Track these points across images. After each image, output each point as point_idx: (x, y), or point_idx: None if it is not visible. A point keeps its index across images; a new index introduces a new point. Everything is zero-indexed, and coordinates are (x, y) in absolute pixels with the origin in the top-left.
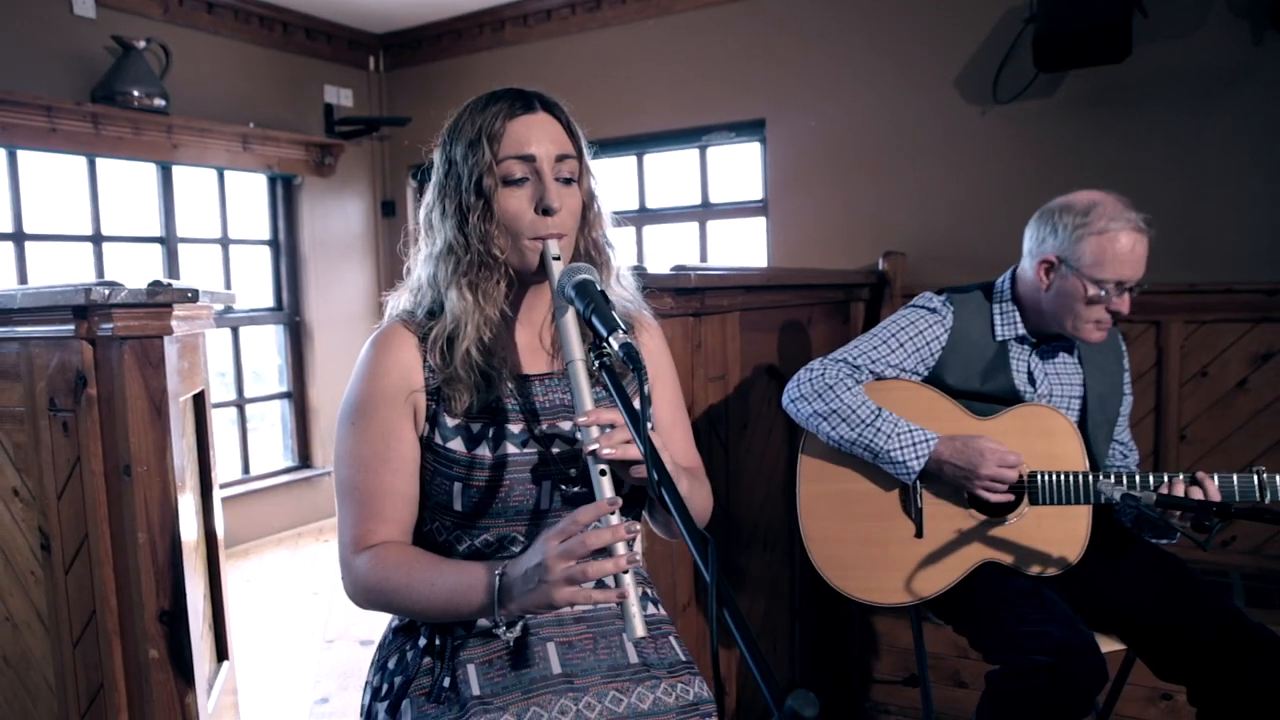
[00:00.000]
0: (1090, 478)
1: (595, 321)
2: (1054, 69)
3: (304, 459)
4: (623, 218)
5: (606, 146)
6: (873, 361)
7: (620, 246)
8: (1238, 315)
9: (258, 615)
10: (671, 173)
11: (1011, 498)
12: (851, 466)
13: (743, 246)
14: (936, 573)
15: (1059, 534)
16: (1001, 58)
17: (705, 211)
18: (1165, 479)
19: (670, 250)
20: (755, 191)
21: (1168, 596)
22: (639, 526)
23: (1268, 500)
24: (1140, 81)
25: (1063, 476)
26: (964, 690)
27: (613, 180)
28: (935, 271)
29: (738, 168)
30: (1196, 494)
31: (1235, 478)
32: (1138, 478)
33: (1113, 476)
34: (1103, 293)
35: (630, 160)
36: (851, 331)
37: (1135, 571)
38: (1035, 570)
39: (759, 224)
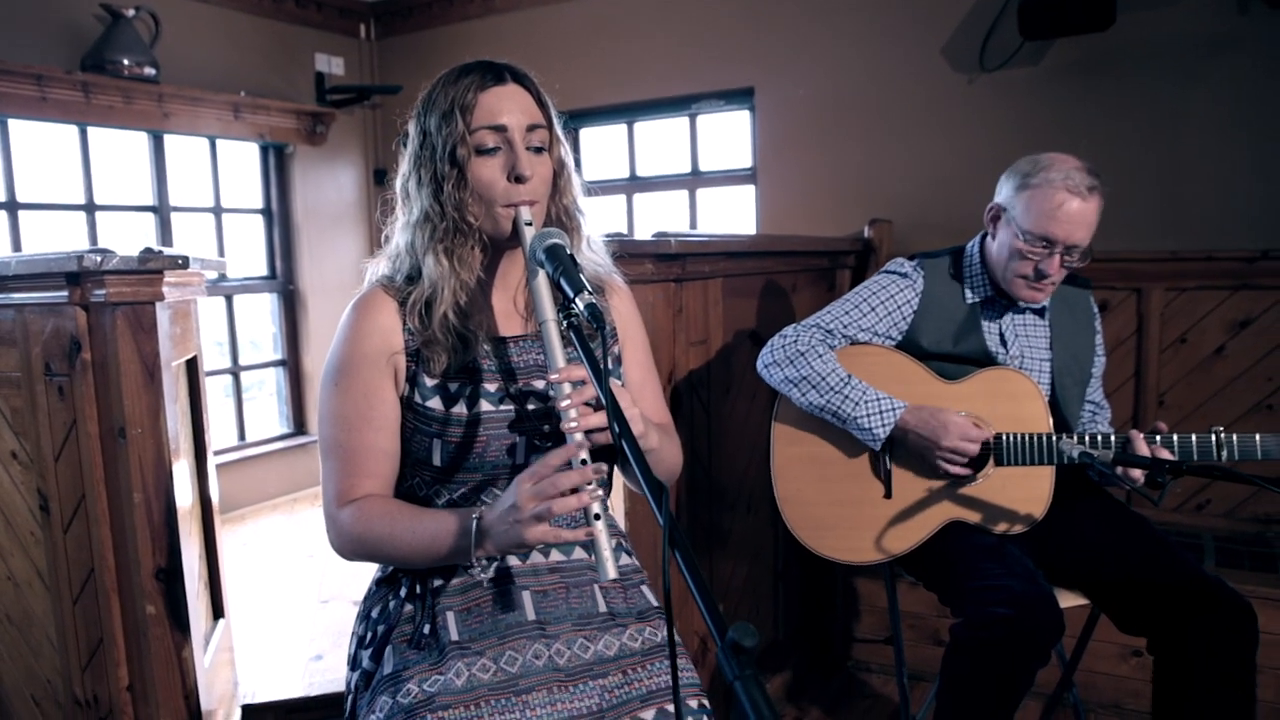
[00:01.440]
0: (1053, 438)
1: (563, 283)
2: (1039, 37)
3: (299, 425)
4: (613, 186)
5: (596, 115)
6: (845, 326)
7: (590, 213)
8: (1217, 283)
9: (254, 577)
10: (661, 141)
11: (970, 471)
12: (823, 430)
13: (732, 214)
14: (905, 531)
15: (1024, 493)
16: (988, 26)
17: (695, 180)
18: (1127, 436)
19: (660, 218)
20: (744, 160)
21: (1128, 552)
22: (605, 466)
23: (1224, 459)
24: (1125, 50)
25: (1027, 438)
26: (940, 648)
27: (603, 148)
28: (921, 238)
29: (727, 136)
30: (1160, 451)
31: (1194, 437)
32: (1100, 437)
33: (1075, 436)
34: (1028, 246)
35: (620, 129)
36: (835, 298)
37: (1096, 527)
38: (1001, 528)
39: (748, 192)
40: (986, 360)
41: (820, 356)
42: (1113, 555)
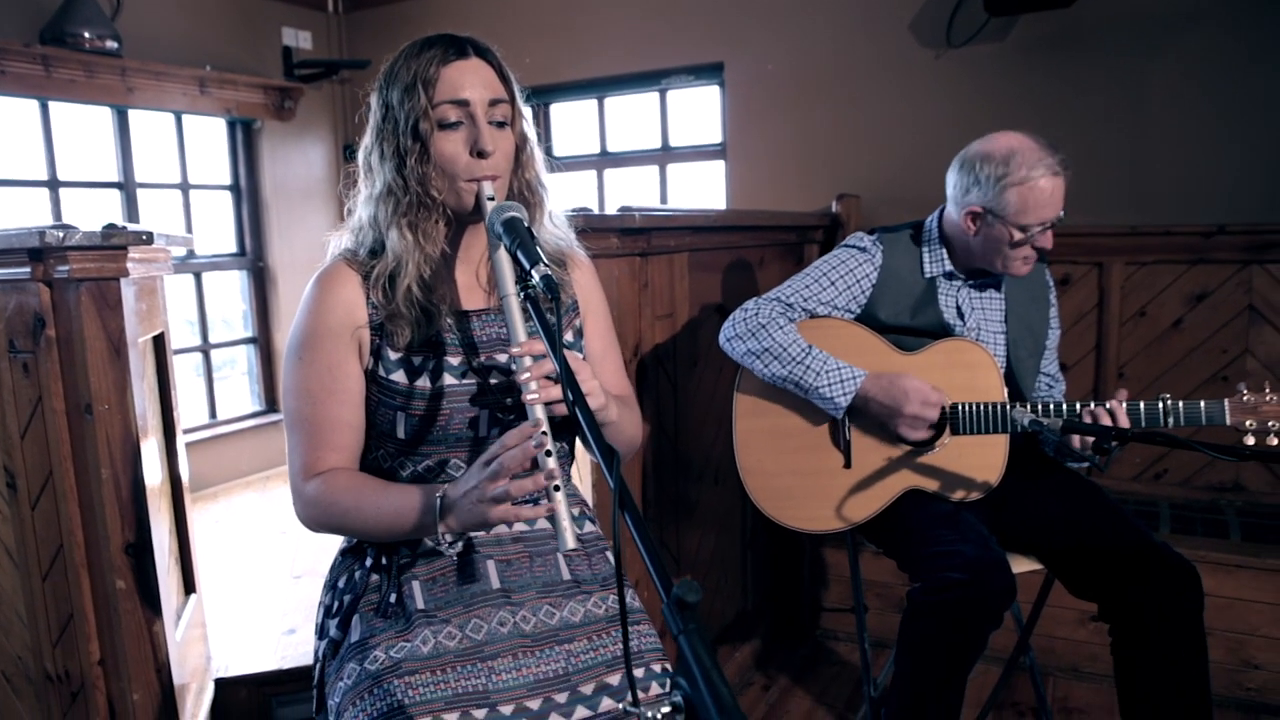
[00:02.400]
0: (1006, 407)
1: (519, 255)
2: (1005, 13)
3: (271, 403)
4: (583, 161)
5: (567, 90)
6: (805, 300)
7: (553, 188)
8: (1175, 257)
9: (226, 553)
10: (632, 117)
11: (932, 434)
12: (784, 402)
13: (703, 190)
14: (864, 500)
15: (979, 461)
16: (955, 2)
17: (665, 155)
18: (1079, 406)
19: (631, 194)
20: (715, 135)
21: (1079, 518)
22: (549, 436)
23: (1169, 425)
24: (1090, 25)
25: (982, 407)
26: None
27: (573, 124)
28: (888, 214)
29: (697, 111)
30: (1105, 418)
31: (1142, 404)
32: (1051, 406)
33: (1027, 406)
34: (1028, 236)
35: (591, 104)
36: None
37: (1051, 495)
38: (958, 495)
39: (718, 167)
40: (943, 332)
41: (781, 329)
42: (1064, 522)
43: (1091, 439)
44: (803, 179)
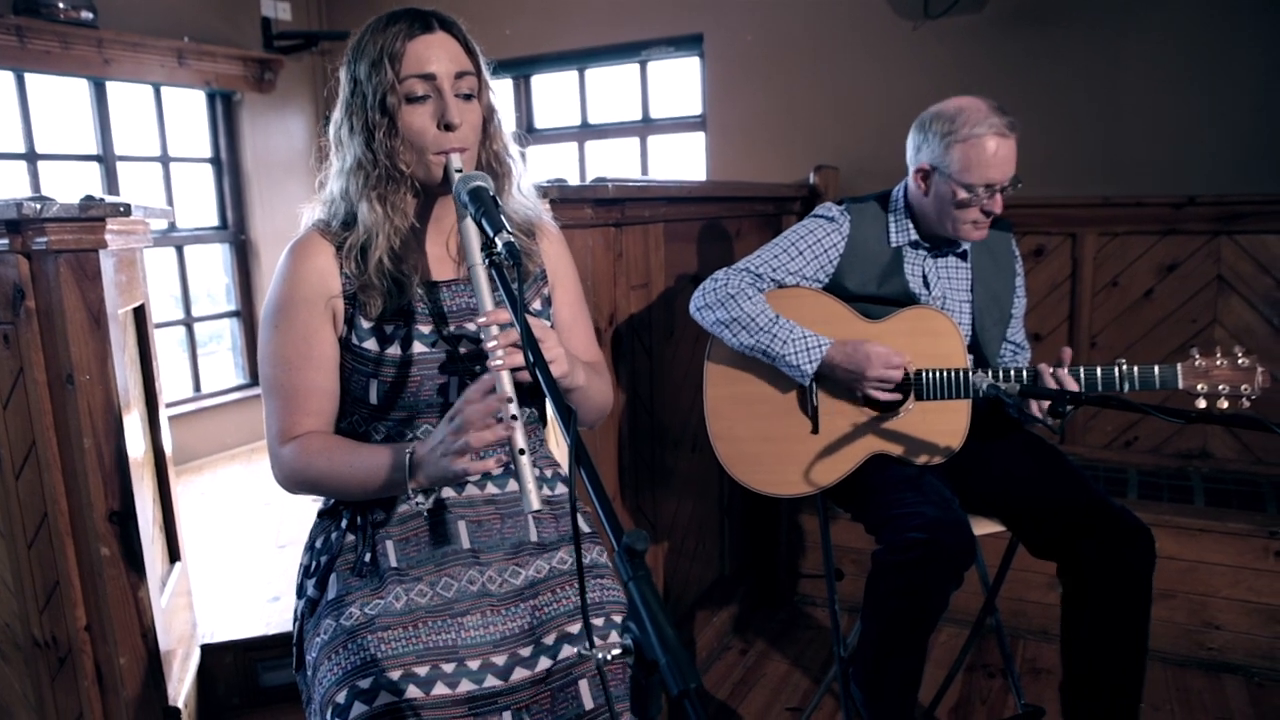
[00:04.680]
0: (968, 373)
1: (484, 223)
2: None
3: (254, 376)
4: (564, 134)
5: (547, 61)
6: (774, 270)
7: (520, 159)
8: (1146, 228)
9: (211, 524)
10: (612, 89)
11: (899, 396)
12: (753, 370)
13: (684, 161)
14: (831, 465)
15: (942, 426)
16: None
17: (646, 127)
18: (1036, 370)
19: (612, 166)
20: (695, 107)
21: (1039, 481)
22: (510, 392)
23: (1125, 390)
24: None
25: (944, 373)
26: None
27: (554, 96)
28: (866, 185)
29: (678, 83)
30: (1067, 381)
31: (1099, 369)
32: (1011, 372)
33: (988, 372)
34: (973, 195)
35: (571, 75)
36: None
37: (1012, 458)
38: (922, 460)
39: (699, 139)
40: (909, 301)
41: (750, 299)
42: (1024, 484)
43: (1048, 403)
44: (781, 150)
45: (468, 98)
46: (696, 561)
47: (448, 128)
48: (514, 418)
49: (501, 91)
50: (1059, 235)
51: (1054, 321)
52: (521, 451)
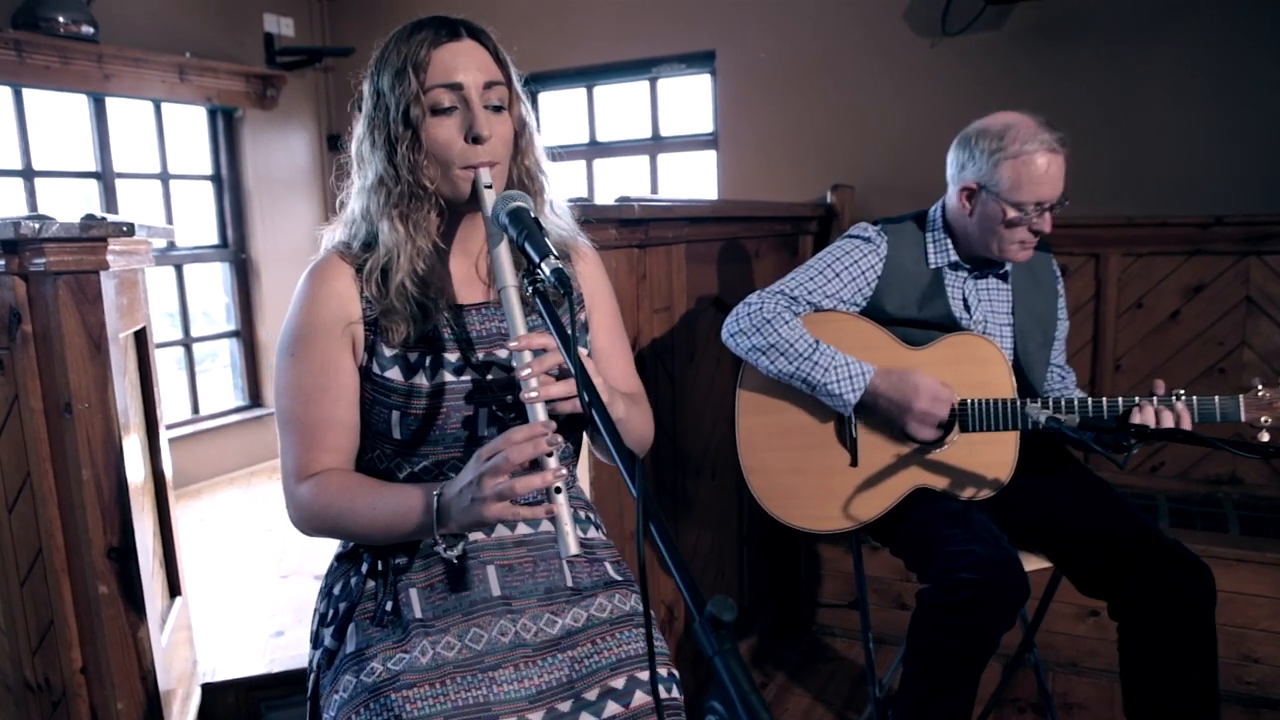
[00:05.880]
0: (1019, 403)
1: (528, 247)
2: (1002, 1)
3: (254, 398)
4: (573, 151)
5: (556, 78)
6: (810, 293)
7: (554, 175)
8: (1172, 248)
9: (211, 553)
10: (622, 106)
11: (940, 433)
12: (788, 398)
13: (694, 180)
14: (872, 499)
15: (989, 458)
16: None
17: (656, 145)
18: (1135, 404)
19: (621, 184)
20: (706, 125)
21: (1090, 514)
22: (561, 439)
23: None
24: (1086, 13)
25: (992, 403)
26: (905, 612)
27: (562, 113)
28: (882, 204)
29: (688, 100)
30: (1164, 414)
31: (1155, 400)
32: (1062, 402)
33: (1040, 401)
34: (1023, 214)
35: (580, 92)
36: (799, 264)
37: (1059, 491)
38: (967, 494)
39: (710, 157)
40: (951, 325)
41: (787, 323)
42: (1074, 519)
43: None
44: (795, 169)
45: (497, 109)
46: (716, 593)
47: (476, 140)
48: (561, 458)
49: None
50: (1082, 256)
51: (1078, 343)
52: (558, 490)
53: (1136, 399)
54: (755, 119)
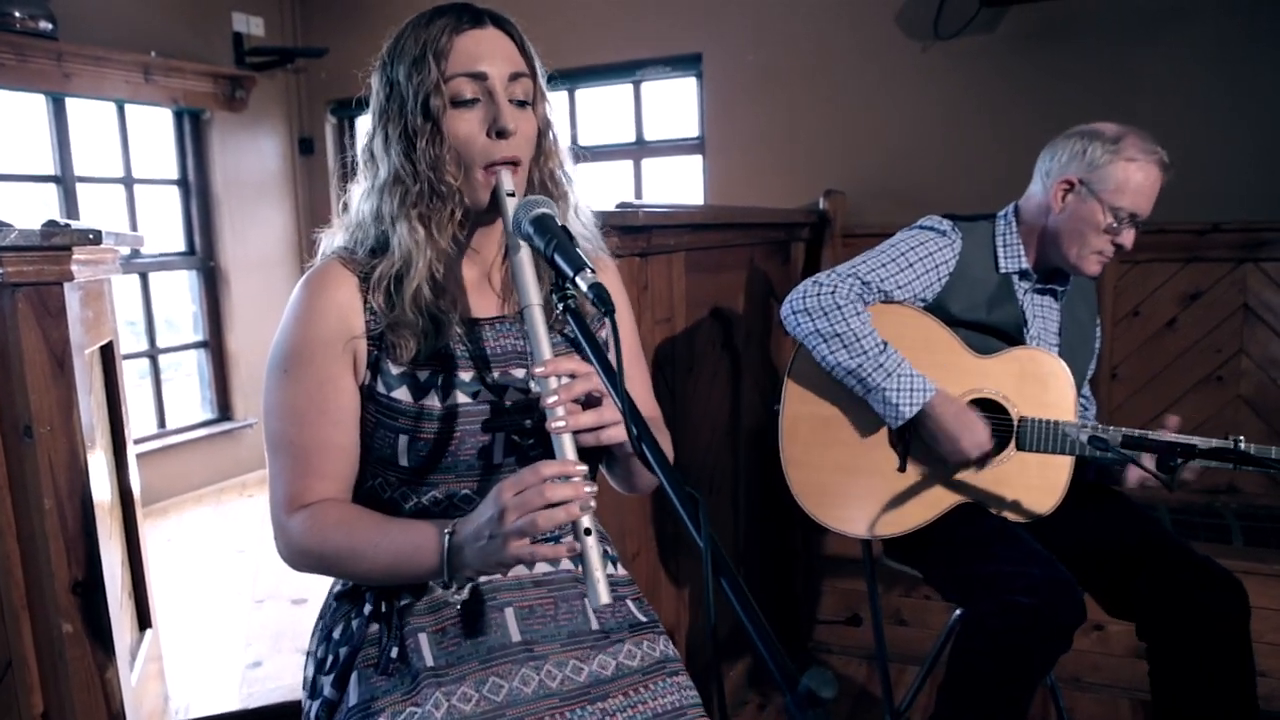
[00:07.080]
0: (1076, 427)
1: (558, 259)
2: (996, 4)
3: (223, 411)
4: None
5: None
6: (883, 280)
7: (578, 180)
8: (1168, 256)
9: (181, 577)
10: (605, 109)
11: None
12: (842, 391)
13: (679, 185)
14: (914, 508)
15: (1040, 481)
16: None
17: (640, 149)
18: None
19: (605, 189)
20: (692, 129)
21: (1118, 534)
22: (595, 488)
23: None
24: (1081, 16)
25: (1052, 425)
26: (905, 628)
27: None
28: (875, 210)
29: (674, 104)
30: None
31: (1214, 443)
32: (1098, 427)
33: (1085, 426)
34: (1115, 222)
35: (561, 96)
36: (792, 272)
37: (1085, 510)
38: (1012, 514)
39: (695, 162)
40: (1016, 334)
41: (858, 314)
42: (1102, 538)
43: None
44: (784, 174)
45: (522, 104)
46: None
47: (500, 134)
48: (589, 492)
49: None
50: None
51: None
52: (588, 531)
53: (1138, 431)
54: (743, 123)
